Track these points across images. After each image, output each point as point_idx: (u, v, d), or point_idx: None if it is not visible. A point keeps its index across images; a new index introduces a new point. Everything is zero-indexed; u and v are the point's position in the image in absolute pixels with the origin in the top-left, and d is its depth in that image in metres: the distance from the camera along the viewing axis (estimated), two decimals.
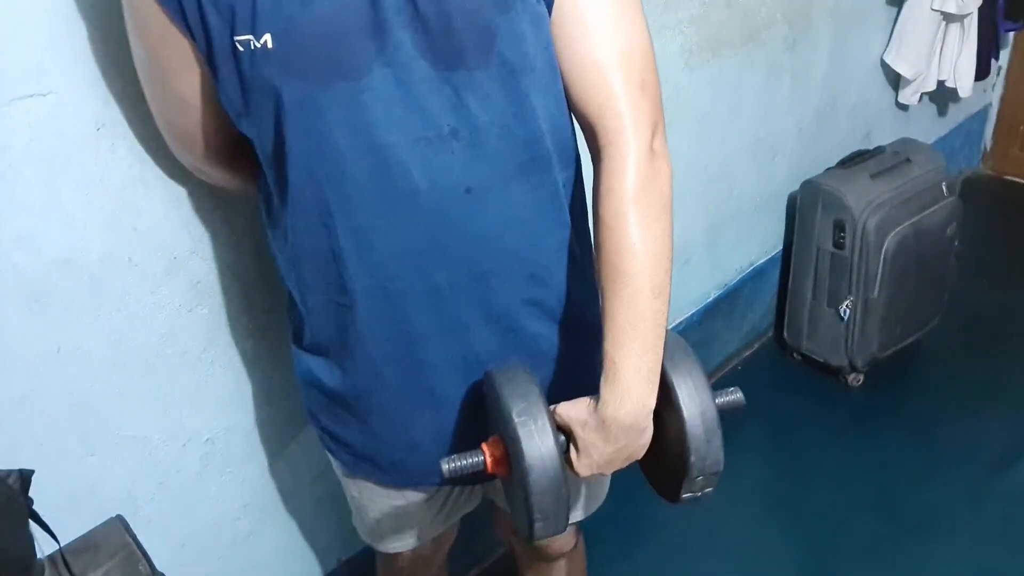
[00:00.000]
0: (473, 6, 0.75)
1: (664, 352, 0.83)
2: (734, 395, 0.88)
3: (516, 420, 0.79)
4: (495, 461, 0.85)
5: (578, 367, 0.95)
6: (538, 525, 0.81)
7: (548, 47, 0.80)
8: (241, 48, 0.73)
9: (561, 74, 0.82)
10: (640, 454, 0.86)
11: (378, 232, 0.82)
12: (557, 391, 0.95)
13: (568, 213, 0.90)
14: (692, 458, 0.82)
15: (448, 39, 0.75)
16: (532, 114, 0.81)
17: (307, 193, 0.81)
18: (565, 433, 0.85)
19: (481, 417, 0.92)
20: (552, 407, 0.85)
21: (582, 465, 0.85)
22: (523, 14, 0.76)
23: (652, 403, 0.81)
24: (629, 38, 0.80)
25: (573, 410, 0.84)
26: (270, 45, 0.73)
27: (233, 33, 0.73)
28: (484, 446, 0.86)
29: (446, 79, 0.77)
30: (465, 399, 0.95)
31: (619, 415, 0.80)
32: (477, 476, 0.89)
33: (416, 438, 0.98)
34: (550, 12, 0.78)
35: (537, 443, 0.78)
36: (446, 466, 0.85)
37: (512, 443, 0.80)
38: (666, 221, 0.81)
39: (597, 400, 0.82)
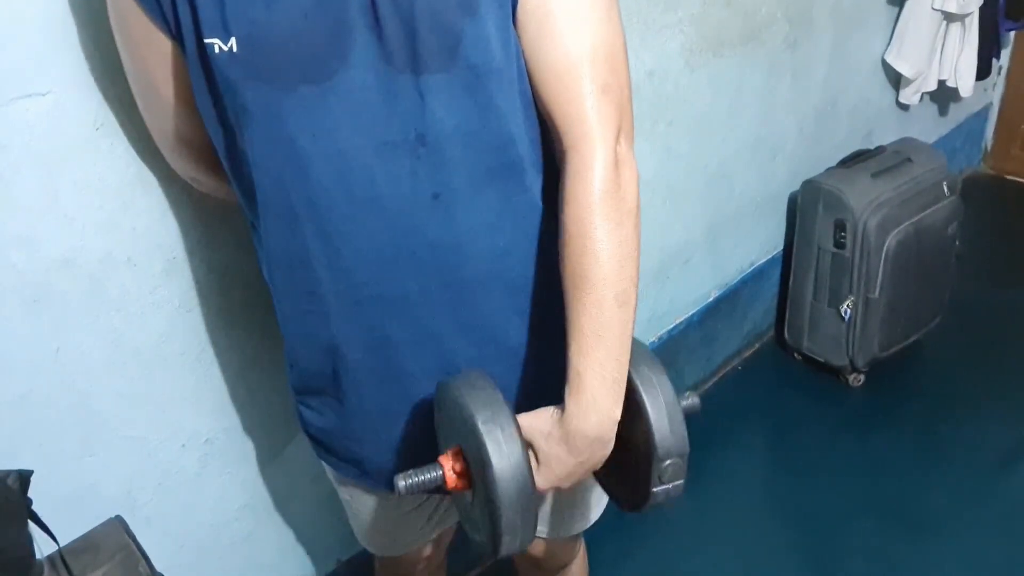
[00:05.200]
0: (437, 8, 0.73)
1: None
2: (689, 400, 0.85)
3: (482, 428, 0.74)
4: (456, 475, 0.80)
5: (556, 373, 0.93)
6: (506, 539, 0.77)
7: (515, 49, 0.78)
8: (209, 50, 0.73)
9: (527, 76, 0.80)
10: (599, 465, 0.83)
11: (345, 237, 0.81)
12: (535, 397, 0.93)
13: (546, 219, 0.87)
14: (656, 439, 0.79)
15: (413, 42, 0.74)
16: (501, 119, 0.79)
17: (275, 197, 0.81)
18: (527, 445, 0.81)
19: (432, 430, 0.90)
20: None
21: (542, 478, 0.81)
22: (488, 16, 0.75)
23: (618, 414, 0.79)
24: (593, 40, 0.77)
25: (536, 420, 0.82)
26: (235, 49, 0.72)
27: (202, 35, 0.73)
28: (441, 459, 0.81)
29: (411, 83, 0.75)
30: None
31: (584, 427, 0.78)
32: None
33: (398, 446, 0.96)
34: (515, 12, 0.77)
35: (506, 452, 0.74)
36: (402, 483, 0.80)
37: (477, 453, 0.76)
38: (631, 226, 0.79)
39: (561, 411, 0.80)
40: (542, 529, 1.16)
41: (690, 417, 0.84)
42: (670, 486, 0.82)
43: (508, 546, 0.78)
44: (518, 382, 0.94)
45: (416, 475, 0.80)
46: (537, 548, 1.23)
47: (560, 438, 0.80)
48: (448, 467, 0.81)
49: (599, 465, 0.83)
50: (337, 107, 0.75)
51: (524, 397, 0.95)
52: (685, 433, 0.81)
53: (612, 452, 0.83)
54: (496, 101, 0.78)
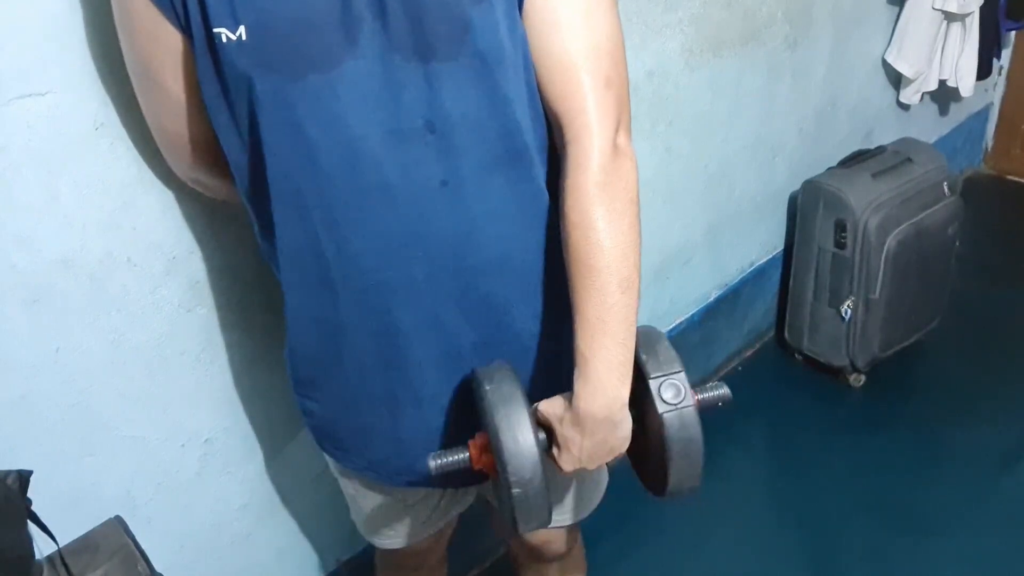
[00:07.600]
0: None
1: (646, 351, 0.85)
2: (718, 390, 0.89)
3: (496, 416, 0.81)
4: (480, 457, 0.87)
5: (562, 361, 0.95)
6: (520, 517, 0.83)
7: (522, 39, 0.79)
8: (217, 40, 0.74)
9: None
10: (622, 447, 0.86)
11: (354, 225, 0.82)
12: (541, 385, 0.95)
13: (551, 206, 0.89)
14: (672, 473, 0.85)
15: (421, 30, 0.75)
16: (508, 107, 0.80)
17: (283, 186, 0.81)
18: (546, 430, 0.87)
19: (468, 415, 0.92)
20: (533, 406, 0.86)
21: (564, 460, 0.86)
22: (497, 3, 0.76)
23: (625, 396, 0.82)
24: (597, 34, 0.79)
25: (551, 407, 0.86)
26: (244, 37, 0.73)
27: (210, 25, 0.73)
28: (470, 443, 0.87)
29: (419, 71, 0.76)
30: (450, 396, 0.95)
31: (592, 409, 0.82)
32: (468, 475, 0.90)
33: (402, 435, 0.97)
34: (521, 5, 0.78)
35: (516, 436, 0.81)
36: (433, 462, 0.87)
37: (493, 438, 0.82)
38: (632, 215, 0.81)
39: (572, 395, 0.83)
40: None
41: (717, 405, 0.89)
42: (685, 492, 0.88)
43: (523, 524, 0.85)
44: (524, 367, 0.95)
45: (446, 456, 0.88)
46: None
47: (572, 421, 0.84)
48: (474, 450, 0.87)
49: (621, 447, 0.86)
50: (345, 95, 0.76)
51: (531, 381, 0.97)
52: (699, 469, 0.85)
53: (636, 439, 0.87)
54: (503, 89, 0.79)
